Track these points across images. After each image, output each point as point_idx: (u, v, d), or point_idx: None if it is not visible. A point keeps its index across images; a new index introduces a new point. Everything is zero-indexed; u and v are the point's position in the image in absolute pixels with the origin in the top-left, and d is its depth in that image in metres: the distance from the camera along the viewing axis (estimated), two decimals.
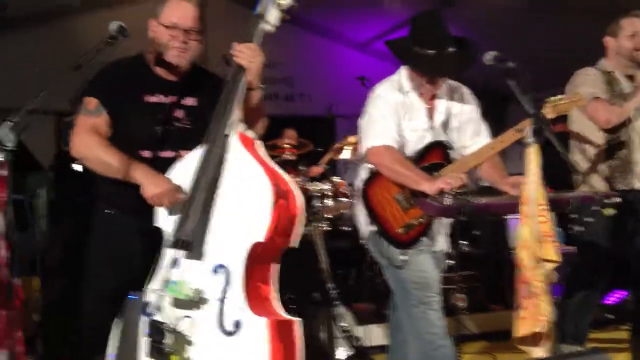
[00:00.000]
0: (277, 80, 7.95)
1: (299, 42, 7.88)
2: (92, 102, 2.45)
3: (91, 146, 2.40)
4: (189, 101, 2.55)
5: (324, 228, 4.92)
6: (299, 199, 2.21)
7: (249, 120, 2.41)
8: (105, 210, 2.57)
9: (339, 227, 5.22)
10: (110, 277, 2.50)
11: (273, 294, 2.24)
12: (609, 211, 2.29)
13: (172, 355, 2.08)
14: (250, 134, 2.31)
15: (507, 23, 6.22)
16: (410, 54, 2.76)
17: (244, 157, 2.21)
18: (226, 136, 2.24)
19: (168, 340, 2.09)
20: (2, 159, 1.95)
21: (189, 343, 2.12)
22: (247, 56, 2.30)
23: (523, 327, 2.28)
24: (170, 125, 2.50)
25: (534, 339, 2.30)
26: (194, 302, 2.12)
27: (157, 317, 2.21)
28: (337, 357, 3.96)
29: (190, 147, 2.41)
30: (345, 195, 5.00)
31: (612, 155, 3.48)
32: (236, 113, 2.29)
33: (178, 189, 2.28)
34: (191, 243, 2.19)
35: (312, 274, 4.08)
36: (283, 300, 2.23)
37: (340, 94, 7.09)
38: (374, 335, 4.23)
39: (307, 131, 6.55)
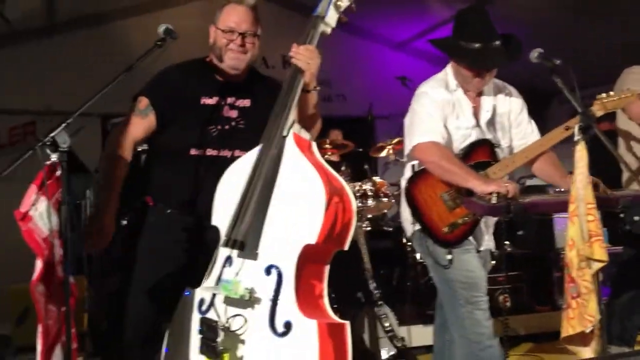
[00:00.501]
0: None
1: (337, 43, 7.88)
2: (143, 101, 2.53)
3: (120, 146, 2.50)
4: (244, 102, 2.61)
5: (366, 228, 4.94)
6: (352, 203, 2.20)
7: (305, 122, 2.43)
8: (161, 209, 2.60)
9: (381, 227, 5.24)
10: (158, 272, 2.54)
11: (323, 295, 2.23)
12: None
13: (224, 353, 2.09)
14: (305, 135, 2.31)
15: (546, 21, 6.14)
16: (457, 48, 2.75)
17: (299, 158, 2.20)
18: (283, 137, 2.24)
19: (220, 338, 2.10)
20: (57, 160, 2.00)
21: (241, 342, 2.13)
22: (306, 58, 2.31)
23: (571, 327, 2.25)
24: (225, 126, 2.57)
25: (581, 339, 2.28)
26: (247, 301, 2.13)
27: (210, 315, 2.23)
28: (381, 356, 3.96)
29: (244, 147, 2.45)
30: (386, 195, 5.01)
31: None
32: (292, 114, 2.29)
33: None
34: (245, 242, 2.20)
35: (355, 274, 4.08)
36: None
37: (379, 94, 7.09)
38: (418, 335, 4.22)
39: (347, 132, 6.58)
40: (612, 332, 3.50)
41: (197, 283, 2.37)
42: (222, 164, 2.43)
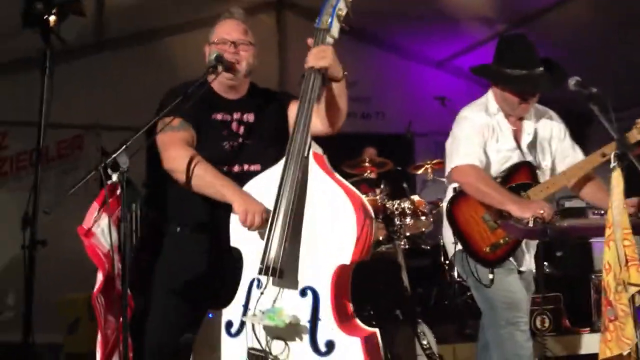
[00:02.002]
0: (355, 99, 8.09)
1: (376, 61, 7.98)
2: (174, 120, 2.48)
3: (184, 159, 2.42)
4: (249, 117, 2.67)
5: (405, 246, 4.98)
6: (372, 215, 2.26)
7: (335, 114, 2.52)
8: (177, 229, 2.63)
9: (419, 245, 5.28)
10: (177, 294, 2.56)
11: (352, 309, 2.30)
12: None
13: None
14: (318, 150, 2.38)
15: (584, 42, 6.13)
16: (502, 75, 2.83)
17: (325, 180, 2.25)
18: (305, 158, 2.27)
19: None
20: (116, 180, 2.09)
21: None
22: (320, 54, 2.31)
23: (608, 349, 2.28)
24: (236, 141, 2.62)
25: None
26: (288, 326, 2.16)
27: (242, 338, 2.28)
28: None
29: (254, 160, 2.56)
30: (424, 214, 5.05)
31: None
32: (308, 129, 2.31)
33: (266, 209, 2.30)
34: (283, 269, 2.20)
35: (394, 292, 4.13)
36: (365, 316, 2.31)
37: (417, 112, 7.11)
38: (457, 355, 4.22)
39: (385, 149, 6.64)
40: None
41: (218, 304, 2.40)
42: (238, 180, 2.46)
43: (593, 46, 6.15)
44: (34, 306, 3.20)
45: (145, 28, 6.75)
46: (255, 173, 2.50)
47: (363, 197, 2.27)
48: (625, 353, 2.28)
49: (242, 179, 2.48)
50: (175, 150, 2.47)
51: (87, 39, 6.39)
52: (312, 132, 2.41)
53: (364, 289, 4.26)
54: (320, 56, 2.30)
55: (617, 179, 2.24)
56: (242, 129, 2.64)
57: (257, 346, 2.23)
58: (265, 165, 2.48)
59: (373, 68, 8.01)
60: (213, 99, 2.62)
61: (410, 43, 7.91)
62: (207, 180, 2.40)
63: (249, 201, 2.32)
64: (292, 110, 2.60)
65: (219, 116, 2.62)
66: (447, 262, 4.97)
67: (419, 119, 6.85)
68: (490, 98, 2.94)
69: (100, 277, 2.13)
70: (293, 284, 2.23)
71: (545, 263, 5.18)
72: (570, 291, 4.82)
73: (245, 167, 2.59)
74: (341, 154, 6.34)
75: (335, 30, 2.36)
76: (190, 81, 2.66)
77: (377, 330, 2.21)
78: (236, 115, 2.64)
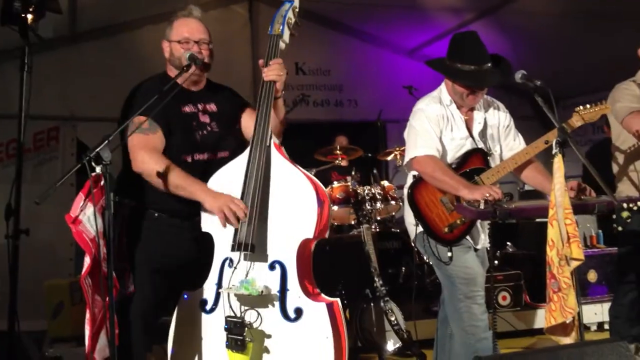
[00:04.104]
0: (328, 87, 8.25)
1: (349, 50, 8.14)
2: (145, 122, 2.61)
3: (152, 163, 2.58)
4: (211, 107, 2.87)
5: (375, 229, 5.19)
6: (327, 196, 2.55)
7: (276, 126, 2.72)
8: (155, 214, 2.74)
9: (389, 228, 5.49)
10: (157, 275, 2.71)
11: (314, 282, 2.56)
12: (625, 214, 2.49)
13: (249, 345, 2.38)
14: (276, 140, 2.61)
15: (551, 30, 6.35)
16: (453, 69, 3.04)
17: (286, 165, 2.53)
18: (267, 147, 2.54)
19: (245, 332, 2.38)
20: (100, 172, 2.24)
21: (260, 332, 2.42)
22: (277, 71, 2.63)
23: (553, 318, 2.51)
24: (205, 130, 2.81)
25: (562, 329, 2.54)
26: (259, 296, 2.41)
27: (219, 313, 2.50)
28: (387, 348, 4.23)
29: (222, 148, 2.79)
30: (394, 199, 5.26)
31: None
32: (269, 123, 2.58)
33: (240, 201, 2.50)
34: (252, 245, 2.46)
35: (364, 273, 4.33)
36: (336, 295, 2.53)
37: (389, 100, 7.27)
38: (423, 330, 4.40)
39: (357, 136, 6.81)
40: (620, 333, 3.66)
41: (194, 285, 2.62)
42: (210, 168, 2.69)
43: (560, 35, 6.37)
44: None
45: (118, 20, 6.77)
46: (224, 159, 2.73)
47: (315, 179, 2.54)
48: (568, 321, 2.50)
49: (212, 165, 2.71)
50: (144, 154, 2.61)
51: (61, 31, 6.41)
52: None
53: (335, 270, 4.51)
54: (280, 70, 2.63)
55: (558, 164, 2.45)
56: (208, 119, 2.83)
57: (233, 315, 2.46)
58: (232, 151, 2.77)
59: (346, 56, 8.16)
60: (179, 93, 2.74)
61: (382, 32, 8.05)
62: (177, 184, 2.58)
63: (218, 197, 2.54)
64: (246, 111, 2.92)
65: (186, 109, 2.80)
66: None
67: (391, 106, 7.01)
68: (443, 90, 3.16)
69: (87, 260, 2.30)
70: (262, 259, 2.48)
71: (508, 243, 5.46)
72: (530, 269, 5.08)
73: (219, 154, 2.80)
74: (314, 142, 6.54)
75: (286, 36, 2.70)
76: (154, 76, 2.87)
77: (337, 299, 2.45)
78: (201, 106, 2.84)
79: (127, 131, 2.57)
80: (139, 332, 2.69)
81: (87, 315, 2.31)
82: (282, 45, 2.68)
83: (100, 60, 6.67)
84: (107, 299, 2.22)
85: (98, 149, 2.21)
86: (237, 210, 2.47)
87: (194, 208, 2.63)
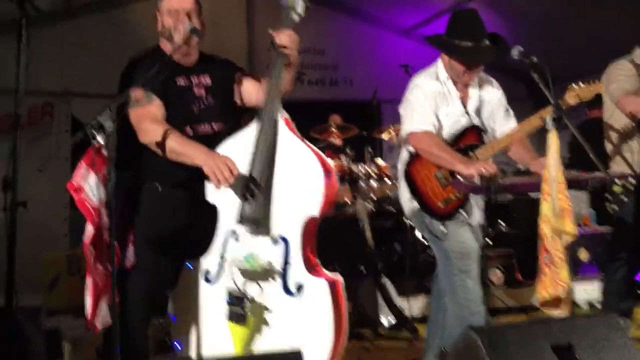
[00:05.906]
0: (323, 66, 8.23)
1: (344, 29, 8.12)
2: (139, 94, 2.63)
3: (156, 132, 2.59)
4: (205, 80, 2.87)
5: (370, 208, 5.22)
6: (336, 175, 2.54)
7: (286, 91, 2.71)
8: (157, 186, 2.76)
9: (384, 207, 5.52)
10: (159, 246, 2.72)
11: (317, 259, 2.56)
12: (617, 189, 2.53)
13: (250, 318, 2.41)
14: (285, 114, 2.59)
15: (545, 11, 6.36)
16: (451, 45, 3.06)
17: (293, 139, 2.52)
18: (276, 121, 2.53)
19: (246, 305, 2.41)
20: (102, 142, 2.25)
21: (262, 306, 2.45)
22: (290, 43, 2.60)
23: (544, 289, 2.56)
24: (201, 102, 2.82)
25: (554, 302, 2.57)
26: (263, 270, 2.44)
27: (223, 284, 2.53)
28: (381, 322, 4.29)
29: (217, 119, 2.80)
30: (389, 177, 5.29)
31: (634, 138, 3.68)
32: (279, 97, 2.57)
33: (233, 162, 2.50)
34: (258, 219, 2.47)
35: (358, 249, 4.37)
36: (331, 270, 2.55)
37: (384, 79, 7.24)
38: (416, 306, 4.50)
39: (352, 115, 6.82)
40: (611, 307, 3.75)
41: (196, 255, 2.64)
42: (210, 140, 2.69)
43: (553, 16, 6.38)
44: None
45: None
46: (220, 132, 2.76)
47: (326, 157, 2.52)
48: (561, 295, 2.53)
49: (212, 138, 2.71)
50: (148, 125, 2.63)
51: (56, 6, 6.37)
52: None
53: (331, 246, 4.54)
54: (293, 42, 2.59)
55: (552, 139, 2.49)
56: (203, 91, 2.84)
57: (235, 288, 2.48)
58: (227, 123, 2.79)
59: (341, 36, 8.15)
60: (173, 67, 2.75)
61: (378, 11, 8.04)
62: (179, 151, 2.58)
63: (211, 156, 2.53)
64: (244, 79, 2.92)
65: (181, 81, 2.81)
66: (409, 221, 5.23)
67: (385, 86, 6.96)
68: (439, 66, 3.18)
69: (90, 228, 2.32)
70: (266, 233, 2.49)
71: (501, 222, 5.52)
72: (522, 247, 5.14)
73: (215, 126, 2.81)
74: (309, 120, 6.54)
75: (299, 7, 2.61)
76: (147, 49, 2.87)
77: (341, 279, 2.46)
78: (195, 80, 2.84)
79: (126, 105, 2.57)
80: (139, 304, 2.71)
81: (89, 284, 2.34)
82: (295, 17, 2.62)
83: (95, 36, 6.60)
84: (109, 267, 2.24)
85: (100, 117, 2.22)
86: (224, 170, 2.44)
87: (198, 176, 2.60)
